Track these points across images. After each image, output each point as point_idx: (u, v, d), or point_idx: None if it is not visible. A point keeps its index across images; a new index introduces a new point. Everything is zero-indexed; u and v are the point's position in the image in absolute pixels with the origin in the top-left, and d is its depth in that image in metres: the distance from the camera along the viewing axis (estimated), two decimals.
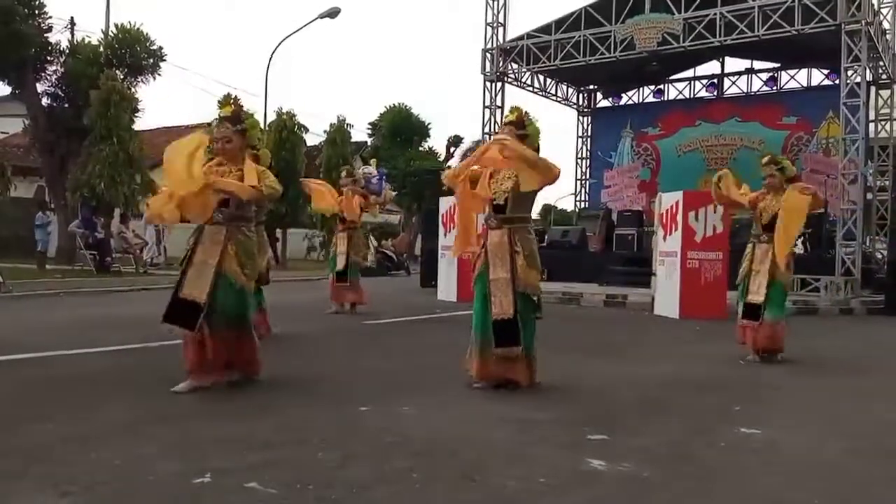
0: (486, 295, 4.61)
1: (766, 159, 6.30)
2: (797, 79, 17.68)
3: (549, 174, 4.46)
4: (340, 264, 9.11)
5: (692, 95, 19.05)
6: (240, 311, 4.40)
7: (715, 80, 18.71)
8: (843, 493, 2.86)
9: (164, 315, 4.27)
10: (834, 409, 4.49)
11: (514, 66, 16.94)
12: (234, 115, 4.51)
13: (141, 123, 17.53)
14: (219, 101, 4.61)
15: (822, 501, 2.73)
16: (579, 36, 15.38)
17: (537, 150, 4.70)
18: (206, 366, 4.29)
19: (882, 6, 14.57)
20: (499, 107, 16.12)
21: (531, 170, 4.42)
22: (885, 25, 14.60)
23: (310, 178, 8.86)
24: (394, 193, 12.45)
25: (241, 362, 4.47)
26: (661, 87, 19.33)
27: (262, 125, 4.87)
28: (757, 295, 6.09)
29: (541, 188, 4.61)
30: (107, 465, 2.86)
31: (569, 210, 28.13)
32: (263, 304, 6.75)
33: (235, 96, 4.64)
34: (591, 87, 20.29)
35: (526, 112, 4.71)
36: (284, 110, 21.14)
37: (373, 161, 11.02)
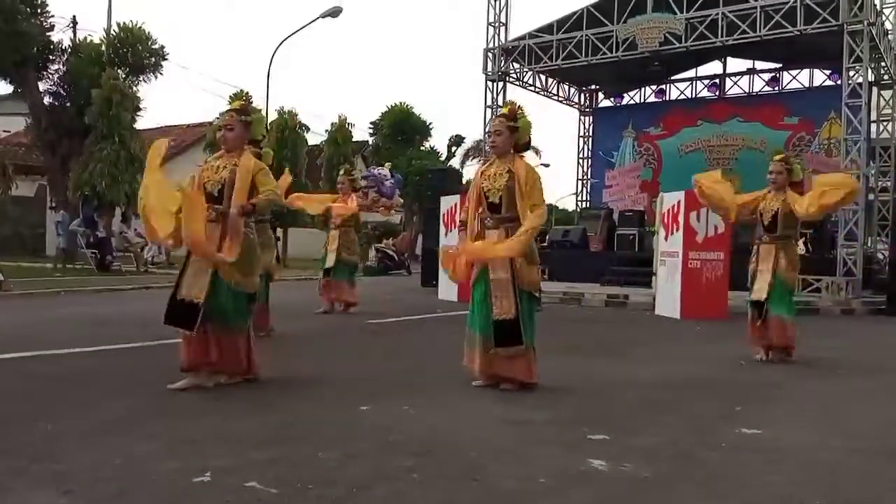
0: (486, 294, 4.62)
1: (778, 156, 6.28)
2: (799, 79, 17.66)
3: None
4: (330, 262, 9.07)
5: (694, 95, 19.03)
6: (234, 311, 4.36)
7: (717, 80, 18.69)
8: (845, 494, 2.85)
9: (165, 316, 4.29)
10: (835, 409, 4.49)
11: (516, 65, 16.93)
12: (241, 107, 4.64)
13: (142, 122, 17.59)
14: (231, 96, 4.76)
15: (823, 502, 2.72)
16: (581, 36, 15.37)
17: (527, 143, 4.85)
18: (208, 365, 4.31)
19: (884, 7, 14.55)
20: (500, 106, 16.11)
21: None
22: (888, 26, 14.58)
23: (295, 195, 8.90)
24: (401, 201, 12.46)
25: (236, 362, 4.43)
26: (663, 86, 19.32)
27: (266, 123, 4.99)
28: (760, 293, 6.11)
29: None
30: (107, 464, 2.86)
31: (570, 210, 28.15)
32: (267, 301, 6.72)
33: (248, 93, 4.78)
34: (593, 86, 20.28)
35: (519, 107, 4.78)
36: (286, 109, 21.17)
37: (387, 164, 11.00)
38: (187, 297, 4.24)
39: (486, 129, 16.18)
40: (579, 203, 20.57)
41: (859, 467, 3.21)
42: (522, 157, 4.78)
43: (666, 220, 10.51)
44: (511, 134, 4.66)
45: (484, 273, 4.64)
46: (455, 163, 32.31)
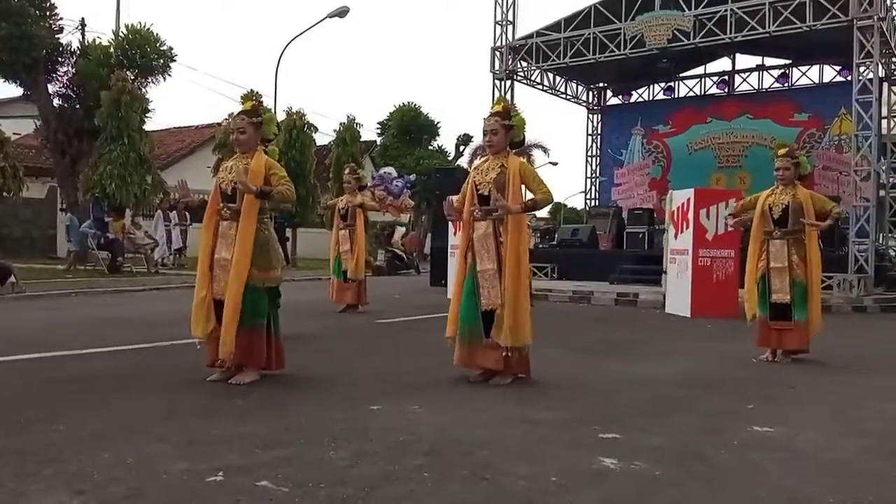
0: (473, 286, 4.68)
1: (783, 150, 6.19)
2: (809, 75, 17.56)
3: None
4: (347, 265, 9.01)
5: (703, 93, 18.95)
6: (251, 308, 4.43)
7: (726, 77, 18.62)
8: (857, 492, 2.83)
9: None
10: (847, 407, 4.46)
11: (524, 64, 16.90)
12: (252, 108, 4.65)
13: (151, 124, 17.60)
14: (242, 96, 4.76)
15: (836, 500, 2.71)
16: (589, 33, 15.33)
17: (522, 141, 4.88)
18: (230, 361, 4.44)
19: (895, 1, 14.44)
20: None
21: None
22: None
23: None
24: (412, 203, 12.47)
25: (256, 358, 4.49)
26: (672, 84, 19.24)
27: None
28: (782, 294, 6.02)
29: None
30: (120, 464, 2.87)
31: (579, 208, 28.07)
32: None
33: (258, 93, 4.77)
34: (601, 84, 20.22)
35: (512, 104, 4.88)
36: (294, 110, 21.18)
37: (413, 175, 11.04)
38: (217, 295, 4.45)
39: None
40: (588, 201, 20.51)
41: (872, 466, 3.19)
42: (517, 153, 4.82)
43: (675, 217, 10.49)
44: (506, 132, 4.70)
45: (472, 267, 4.70)
46: (463, 162, 32.22)
